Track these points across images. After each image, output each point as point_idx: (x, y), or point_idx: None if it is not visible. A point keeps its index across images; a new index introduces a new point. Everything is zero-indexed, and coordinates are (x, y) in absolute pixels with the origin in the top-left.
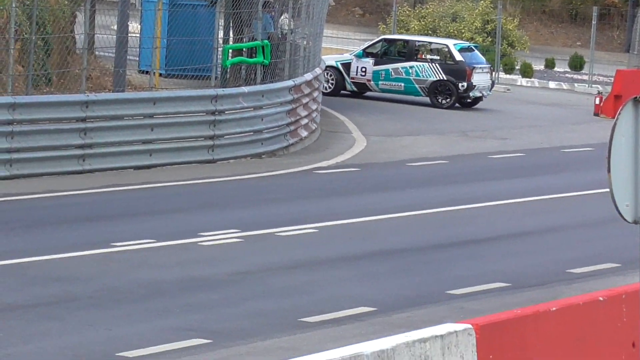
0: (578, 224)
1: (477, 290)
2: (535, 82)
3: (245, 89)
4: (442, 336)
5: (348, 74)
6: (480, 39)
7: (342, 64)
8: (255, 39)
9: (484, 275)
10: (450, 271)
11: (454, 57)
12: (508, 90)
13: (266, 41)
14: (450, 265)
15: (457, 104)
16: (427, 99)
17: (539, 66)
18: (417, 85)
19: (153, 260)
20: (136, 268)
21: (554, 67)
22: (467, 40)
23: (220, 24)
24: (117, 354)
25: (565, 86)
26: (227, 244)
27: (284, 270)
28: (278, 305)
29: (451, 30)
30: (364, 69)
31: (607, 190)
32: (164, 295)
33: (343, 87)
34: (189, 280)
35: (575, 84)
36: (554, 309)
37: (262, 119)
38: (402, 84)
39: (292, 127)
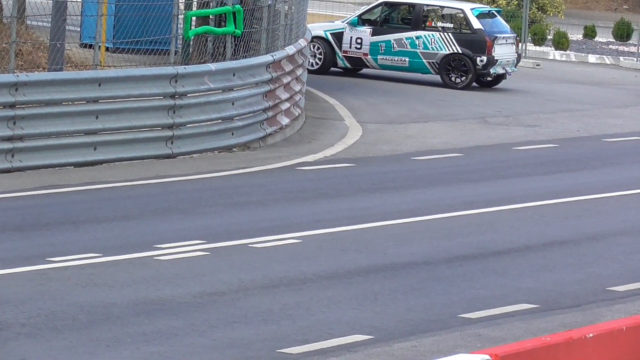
0: (622, 232)
1: (497, 313)
2: (572, 55)
3: (212, 66)
4: None
5: (340, 47)
6: (504, 2)
7: (332, 35)
8: (225, 4)
9: (506, 295)
10: (465, 290)
11: (470, 24)
12: (538, 65)
13: (238, 6)
14: (464, 282)
15: (474, 83)
16: (437, 77)
17: (576, 36)
18: (425, 60)
19: (100, 279)
20: (79, 288)
21: (594, 37)
22: (488, 3)
23: None
24: None
25: (608, 60)
26: (191, 258)
27: (260, 290)
28: (254, 333)
29: None
30: (359, 41)
31: None
32: (114, 322)
33: (333, 63)
34: (145, 303)
35: (621, 58)
36: (591, 335)
37: (233, 104)
38: (407, 59)
39: (271, 113)
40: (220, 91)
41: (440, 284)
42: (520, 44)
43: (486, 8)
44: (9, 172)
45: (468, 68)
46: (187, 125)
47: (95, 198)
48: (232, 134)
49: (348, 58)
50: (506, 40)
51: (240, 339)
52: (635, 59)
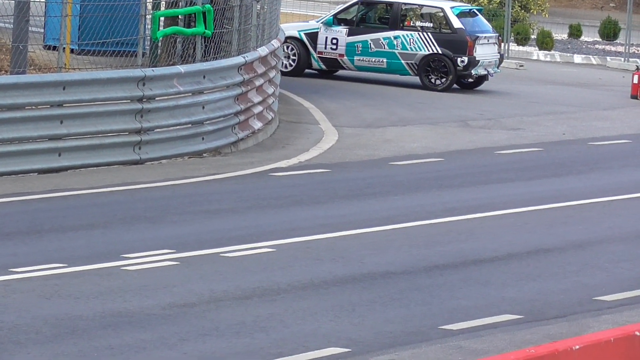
0: (610, 239)
1: (479, 324)
2: (557, 55)
3: (181, 68)
4: None
5: (314, 48)
6: (486, 1)
7: (306, 35)
8: (195, 3)
9: (489, 306)
10: (446, 301)
11: (451, 24)
12: (521, 66)
13: (208, 5)
14: (445, 292)
15: (455, 85)
16: (416, 79)
17: (561, 35)
18: (403, 61)
19: (65, 291)
20: (44, 300)
21: (580, 36)
22: (469, 2)
23: None
24: None
25: (594, 60)
26: (160, 268)
27: (232, 301)
28: (226, 346)
29: None
30: (334, 41)
31: None
32: (80, 335)
33: (308, 65)
34: (112, 315)
35: (608, 58)
36: (577, 347)
37: (203, 107)
38: (385, 60)
39: (242, 117)
40: (190, 94)
41: (419, 294)
42: (502, 44)
43: (467, 6)
44: None
45: (448, 69)
46: (156, 130)
47: (60, 206)
48: (203, 138)
49: (323, 59)
50: (488, 40)
51: (212, 353)
52: (622, 59)
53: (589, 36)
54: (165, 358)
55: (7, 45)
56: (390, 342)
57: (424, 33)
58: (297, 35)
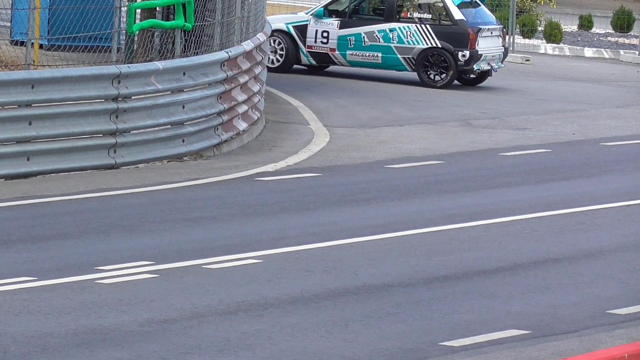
0: (623, 247)
1: (483, 340)
2: (566, 48)
3: (159, 64)
4: None
5: (304, 42)
6: None
7: (295, 28)
8: None
9: (494, 320)
10: (447, 315)
11: (451, 15)
12: (527, 60)
13: None
14: (446, 306)
15: (456, 81)
16: (414, 75)
17: (570, 27)
18: (399, 56)
19: (35, 306)
20: (12, 317)
21: (591, 28)
22: None
23: None
24: None
25: (607, 54)
26: (137, 281)
27: (216, 316)
28: None
29: None
30: (325, 34)
31: None
32: (51, 353)
33: (297, 60)
34: (86, 332)
35: (622, 51)
36: None
37: (183, 107)
38: (379, 54)
39: (226, 117)
40: (169, 93)
41: (418, 308)
42: (507, 37)
43: None
44: None
45: (448, 64)
46: (132, 132)
47: (29, 214)
48: (183, 140)
49: (313, 54)
50: (491, 33)
51: None
52: (636, 53)
53: (601, 28)
54: None
55: None
56: (386, 359)
57: (422, 25)
58: (285, 28)
